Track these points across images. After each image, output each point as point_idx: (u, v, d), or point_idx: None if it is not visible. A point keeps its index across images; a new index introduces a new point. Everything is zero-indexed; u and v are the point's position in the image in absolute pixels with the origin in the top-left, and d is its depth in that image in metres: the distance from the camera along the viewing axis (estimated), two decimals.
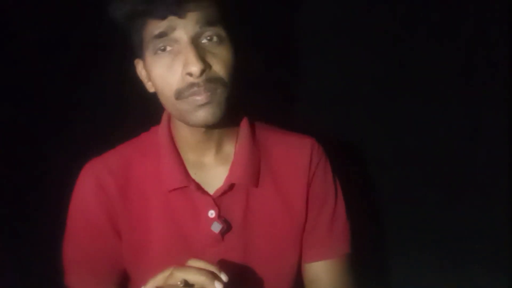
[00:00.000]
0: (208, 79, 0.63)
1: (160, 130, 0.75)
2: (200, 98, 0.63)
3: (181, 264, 0.59)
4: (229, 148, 0.75)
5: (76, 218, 0.73)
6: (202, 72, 0.62)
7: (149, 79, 0.69)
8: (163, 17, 0.62)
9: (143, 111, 0.83)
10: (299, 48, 1.03)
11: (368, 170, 1.06)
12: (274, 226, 0.74)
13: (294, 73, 1.04)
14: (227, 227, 0.71)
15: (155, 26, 0.63)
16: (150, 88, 0.71)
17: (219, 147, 0.74)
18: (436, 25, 0.99)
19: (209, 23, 0.63)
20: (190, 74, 0.62)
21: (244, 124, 0.76)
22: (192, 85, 0.62)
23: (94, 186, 0.72)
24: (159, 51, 0.64)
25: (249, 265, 0.73)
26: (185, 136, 0.72)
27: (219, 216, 0.71)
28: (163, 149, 0.73)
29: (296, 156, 0.76)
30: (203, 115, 0.64)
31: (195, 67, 0.61)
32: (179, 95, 0.64)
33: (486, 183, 1.02)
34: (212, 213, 0.70)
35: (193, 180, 0.72)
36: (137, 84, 0.74)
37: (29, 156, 0.91)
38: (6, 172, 0.90)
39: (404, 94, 1.03)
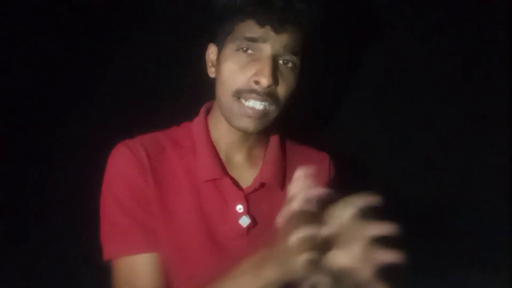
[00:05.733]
0: (269, 93, 0.69)
1: (196, 123, 0.79)
2: (252, 111, 0.69)
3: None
4: (259, 153, 0.81)
5: (115, 184, 0.71)
6: (269, 86, 0.68)
7: (216, 66, 0.74)
8: (262, 25, 0.67)
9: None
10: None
11: (368, 171, 1.06)
12: None
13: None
14: (253, 223, 0.74)
15: (251, 29, 0.68)
16: (212, 73, 0.77)
17: (249, 150, 0.80)
18: (437, 26, 1.00)
19: (293, 50, 0.70)
20: (257, 83, 0.68)
21: (275, 134, 0.82)
22: (253, 91, 0.69)
23: (129, 155, 0.72)
24: (241, 50, 0.69)
25: None
26: (221, 134, 0.77)
27: (248, 212, 0.73)
28: (199, 141, 0.76)
29: (317, 168, 0.81)
30: (246, 123, 0.70)
31: (265, 80, 0.67)
32: (238, 94, 0.70)
33: (487, 186, 1.02)
34: (240, 208, 0.74)
35: (228, 174, 0.76)
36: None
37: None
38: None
39: (404, 97, 1.03)
